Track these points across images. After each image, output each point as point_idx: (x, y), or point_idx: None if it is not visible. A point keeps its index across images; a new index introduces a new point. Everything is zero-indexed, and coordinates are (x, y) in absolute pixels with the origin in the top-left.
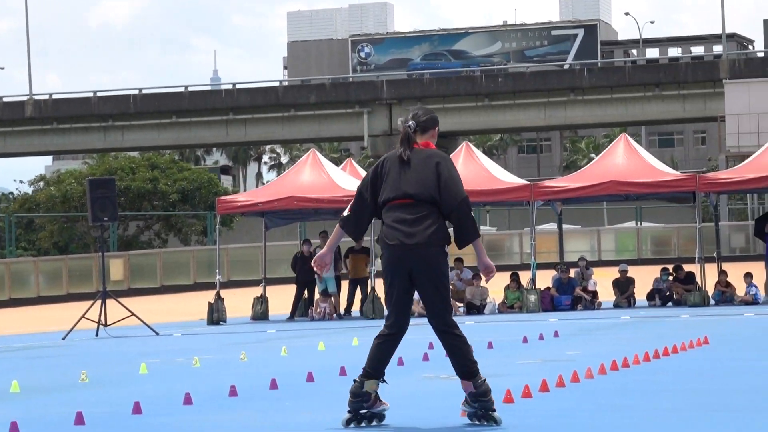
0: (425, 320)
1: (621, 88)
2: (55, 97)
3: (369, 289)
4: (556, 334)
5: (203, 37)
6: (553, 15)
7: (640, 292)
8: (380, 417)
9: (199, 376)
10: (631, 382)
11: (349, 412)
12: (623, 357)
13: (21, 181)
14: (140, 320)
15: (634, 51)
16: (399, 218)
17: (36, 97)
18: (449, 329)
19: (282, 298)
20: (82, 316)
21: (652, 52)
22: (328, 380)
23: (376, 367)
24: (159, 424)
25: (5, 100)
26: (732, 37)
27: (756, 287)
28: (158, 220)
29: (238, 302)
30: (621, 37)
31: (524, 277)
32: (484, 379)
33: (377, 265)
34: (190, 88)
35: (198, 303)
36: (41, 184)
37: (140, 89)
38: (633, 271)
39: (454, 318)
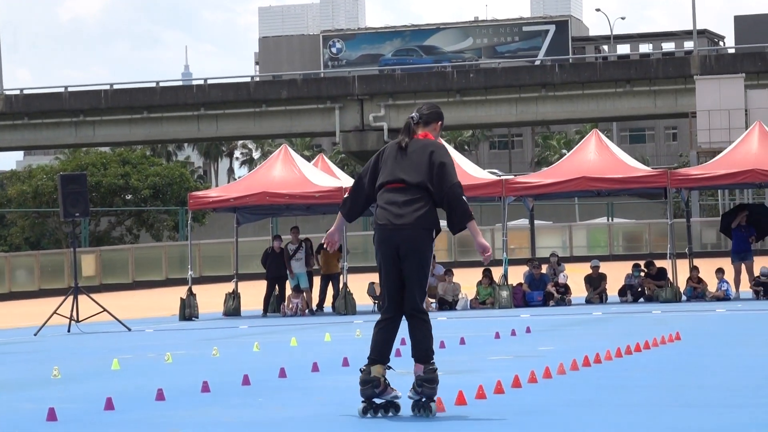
0: None
1: (592, 84)
2: (26, 92)
3: (341, 285)
4: (528, 330)
5: (174, 33)
6: (524, 11)
7: (612, 288)
8: (396, 407)
9: (171, 372)
10: (603, 378)
11: (363, 401)
12: (595, 353)
13: None
14: (112, 316)
15: (605, 47)
16: (390, 200)
17: (7, 92)
18: (418, 314)
19: (254, 294)
20: (54, 312)
21: (624, 48)
22: (300, 376)
23: (380, 352)
24: (131, 419)
25: None
26: (703, 33)
27: (727, 283)
28: (130, 215)
29: (210, 298)
30: (592, 33)
31: (496, 273)
32: (436, 369)
33: (349, 261)
34: (161, 84)
35: (170, 299)
36: (12, 179)
37: (111, 84)
38: (605, 267)
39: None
